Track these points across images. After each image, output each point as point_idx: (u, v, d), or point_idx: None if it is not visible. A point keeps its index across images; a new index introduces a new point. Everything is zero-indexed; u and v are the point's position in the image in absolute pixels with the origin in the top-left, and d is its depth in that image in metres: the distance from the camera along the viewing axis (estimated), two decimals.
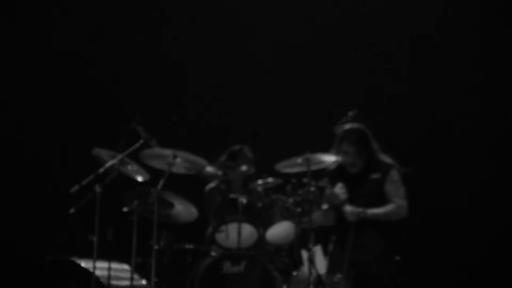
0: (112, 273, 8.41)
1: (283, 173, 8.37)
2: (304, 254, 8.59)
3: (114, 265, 8.50)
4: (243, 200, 8.43)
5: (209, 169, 8.33)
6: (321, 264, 8.29)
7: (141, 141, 8.27)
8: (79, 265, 8.67)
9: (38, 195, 10.27)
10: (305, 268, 8.39)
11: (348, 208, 6.99)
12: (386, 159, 7.23)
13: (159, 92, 10.89)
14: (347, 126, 7.31)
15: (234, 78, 10.89)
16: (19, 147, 10.51)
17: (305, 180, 8.19)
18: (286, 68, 11.08)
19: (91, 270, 8.22)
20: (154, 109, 10.54)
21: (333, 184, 7.26)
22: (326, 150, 8.15)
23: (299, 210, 8.38)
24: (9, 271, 10.26)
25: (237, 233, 8.20)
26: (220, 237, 8.24)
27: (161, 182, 8.09)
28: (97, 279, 8.35)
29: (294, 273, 8.55)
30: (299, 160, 7.97)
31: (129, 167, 8.33)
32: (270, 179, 8.71)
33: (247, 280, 8.23)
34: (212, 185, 8.61)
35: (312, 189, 8.08)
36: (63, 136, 10.54)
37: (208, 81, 10.88)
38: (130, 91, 10.85)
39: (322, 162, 8.03)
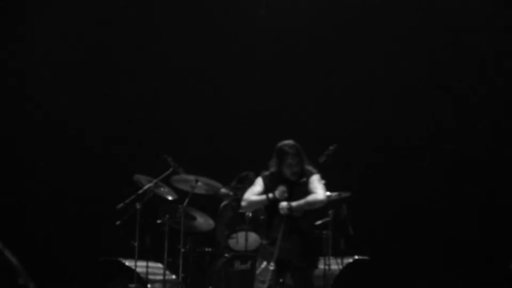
0: (150, 270, 9.31)
1: None
2: None
3: (151, 264, 9.35)
4: (249, 214, 9.06)
5: (223, 190, 9.19)
6: None
7: (170, 169, 9.07)
8: (124, 264, 9.55)
9: (93, 210, 10.76)
10: None
11: (282, 204, 7.31)
12: (311, 168, 7.68)
13: (185, 127, 11.35)
14: (286, 142, 7.63)
15: (241, 112, 11.44)
16: (82, 175, 11.08)
17: None
18: (283, 101, 11.55)
19: (133, 268, 9.23)
20: (182, 141, 11.01)
21: (268, 185, 7.53)
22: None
23: None
24: (72, 271, 10.79)
25: (244, 239, 8.95)
26: (231, 242, 8.98)
27: (186, 200, 8.91)
28: (138, 274, 9.27)
29: None
30: None
31: (162, 189, 9.18)
32: None
33: (253, 275, 8.25)
34: (225, 202, 9.40)
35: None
36: (110, 165, 11.09)
37: (222, 116, 11.38)
38: (163, 128, 11.39)
39: None
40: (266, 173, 7.66)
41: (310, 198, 7.38)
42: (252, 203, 7.66)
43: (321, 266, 9.02)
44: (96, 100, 11.76)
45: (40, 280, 3.58)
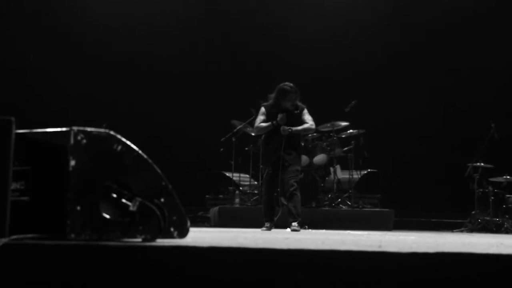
0: (241, 178, 11.61)
1: (321, 131, 11.20)
2: (331, 169, 11.24)
3: (242, 174, 11.63)
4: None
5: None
6: (340, 174, 11.25)
7: (253, 116, 9.67)
8: (225, 174, 11.84)
9: (208, 141, 12.38)
10: (332, 175, 11.21)
11: (284, 127, 8.16)
12: (301, 104, 8.44)
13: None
14: (287, 83, 8.24)
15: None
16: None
17: (331, 134, 11.07)
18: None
19: (231, 177, 11.39)
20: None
21: (270, 114, 8.28)
22: (343, 118, 11.12)
23: (328, 148, 10.92)
24: (196, 179, 12.98)
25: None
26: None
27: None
28: (234, 181, 11.34)
29: (327, 178, 11.26)
30: (328, 124, 10.93)
31: (248, 129, 10.93)
32: (315, 134, 10.90)
33: (304, 181, 9.97)
34: None
35: (335, 138, 11.04)
36: (220, 115, 12.80)
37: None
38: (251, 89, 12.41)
39: (340, 125, 11.00)
40: (267, 103, 8.48)
41: (306, 126, 8.39)
42: (261, 129, 8.42)
43: (347, 175, 11.21)
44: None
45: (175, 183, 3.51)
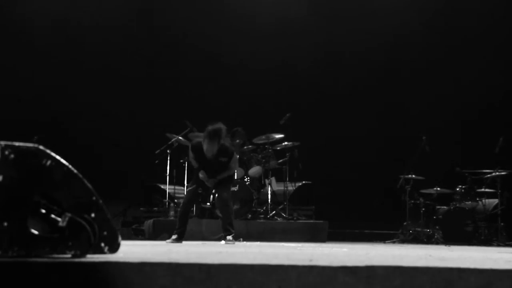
0: (175, 191, 11.30)
1: (256, 143, 11.25)
2: (266, 181, 11.17)
3: (176, 187, 11.27)
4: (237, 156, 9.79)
5: None
6: (274, 186, 11.13)
7: (188, 129, 10.94)
8: (160, 187, 11.60)
9: (142, 153, 12.09)
10: (267, 187, 11.10)
11: (210, 181, 8.34)
12: (230, 146, 8.58)
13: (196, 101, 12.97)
14: (208, 130, 8.12)
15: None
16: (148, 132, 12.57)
17: (266, 146, 11.09)
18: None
19: (166, 189, 11.15)
20: (195, 110, 12.22)
21: (197, 154, 8.29)
22: (278, 131, 11.12)
23: (263, 160, 10.96)
24: (129, 191, 12.71)
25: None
26: None
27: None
28: (168, 193, 11.08)
29: (262, 190, 11.20)
30: (263, 136, 10.97)
31: (183, 141, 10.75)
32: (250, 146, 11.19)
33: (239, 194, 10.47)
34: None
35: (270, 150, 11.07)
36: (153, 128, 12.52)
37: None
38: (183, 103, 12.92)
39: (275, 138, 11.02)
40: (193, 143, 8.59)
41: (229, 172, 8.58)
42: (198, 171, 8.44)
43: (281, 187, 11.11)
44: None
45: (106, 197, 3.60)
